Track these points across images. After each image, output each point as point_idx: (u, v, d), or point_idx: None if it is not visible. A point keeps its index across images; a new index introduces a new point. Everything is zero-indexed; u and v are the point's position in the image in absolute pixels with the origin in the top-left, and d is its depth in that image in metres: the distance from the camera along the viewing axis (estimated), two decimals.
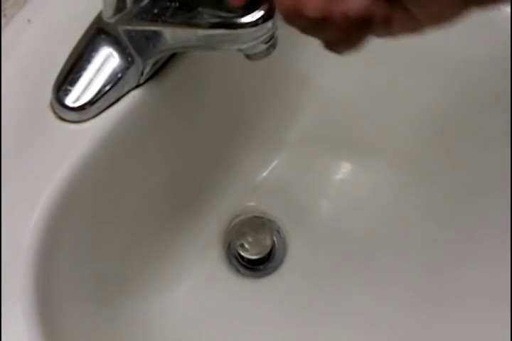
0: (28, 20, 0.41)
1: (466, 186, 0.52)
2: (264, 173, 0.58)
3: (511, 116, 0.47)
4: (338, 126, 0.57)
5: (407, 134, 0.55)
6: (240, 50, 0.35)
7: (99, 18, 0.39)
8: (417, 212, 0.54)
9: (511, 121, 0.47)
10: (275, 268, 0.55)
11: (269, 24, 0.32)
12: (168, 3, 0.34)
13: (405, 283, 0.52)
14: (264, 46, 0.34)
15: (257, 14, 0.32)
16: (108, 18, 0.37)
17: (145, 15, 0.35)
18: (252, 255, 0.54)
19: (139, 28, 0.36)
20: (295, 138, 0.58)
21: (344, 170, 0.58)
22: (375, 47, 0.50)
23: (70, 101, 0.38)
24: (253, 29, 0.32)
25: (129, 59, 0.38)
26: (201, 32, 0.34)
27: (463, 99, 0.51)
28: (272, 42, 0.34)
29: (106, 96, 0.38)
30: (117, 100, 0.39)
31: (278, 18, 0.33)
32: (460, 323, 0.48)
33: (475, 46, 0.48)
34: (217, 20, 0.33)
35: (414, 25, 0.30)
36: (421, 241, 0.53)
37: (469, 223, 0.51)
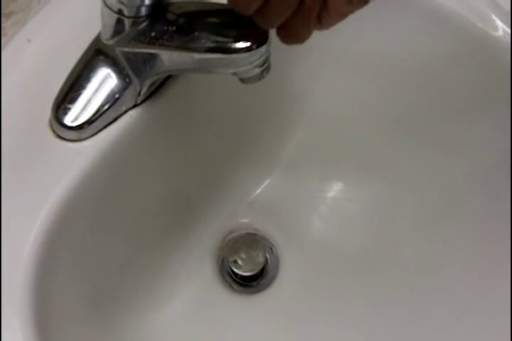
0: (28, 40, 0.42)
1: (458, 203, 0.52)
2: (258, 191, 0.58)
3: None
4: (331, 144, 0.58)
5: (400, 152, 0.55)
6: (234, 73, 0.36)
7: (97, 40, 0.40)
8: (408, 229, 0.55)
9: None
10: (268, 285, 0.55)
11: (262, 49, 0.33)
12: (166, 27, 0.35)
13: (397, 299, 0.52)
14: (257, 70, 0.35)
15: (251, 39, 0.33)
16: (106, 39, 0.38)
17: (143, 38, 0.36)
18: (245, 271, 0.54)
19: (136, 50, 0.37)
20: (289, 156, 0.58)
21: (336, 187, 0.58)
22: (370, 63, 0.51)
23: (68, 120, 0.38)
24: (247, 54, 0.33)
25: (127, 80, 0.39)
26: (197, 56, 0.34)
27: (459, 116, 0.51)
28: (265, 66, 0.35)
29: (104, 116, 0.39)
30: (115, 119, 0.40)
31: (271, 43, 0.34)
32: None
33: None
34: (212, 44, 0.34)
35: (347, 7, 0.30)
36: (412, 257, 0.53)
37: (460, 239, 0.51)
